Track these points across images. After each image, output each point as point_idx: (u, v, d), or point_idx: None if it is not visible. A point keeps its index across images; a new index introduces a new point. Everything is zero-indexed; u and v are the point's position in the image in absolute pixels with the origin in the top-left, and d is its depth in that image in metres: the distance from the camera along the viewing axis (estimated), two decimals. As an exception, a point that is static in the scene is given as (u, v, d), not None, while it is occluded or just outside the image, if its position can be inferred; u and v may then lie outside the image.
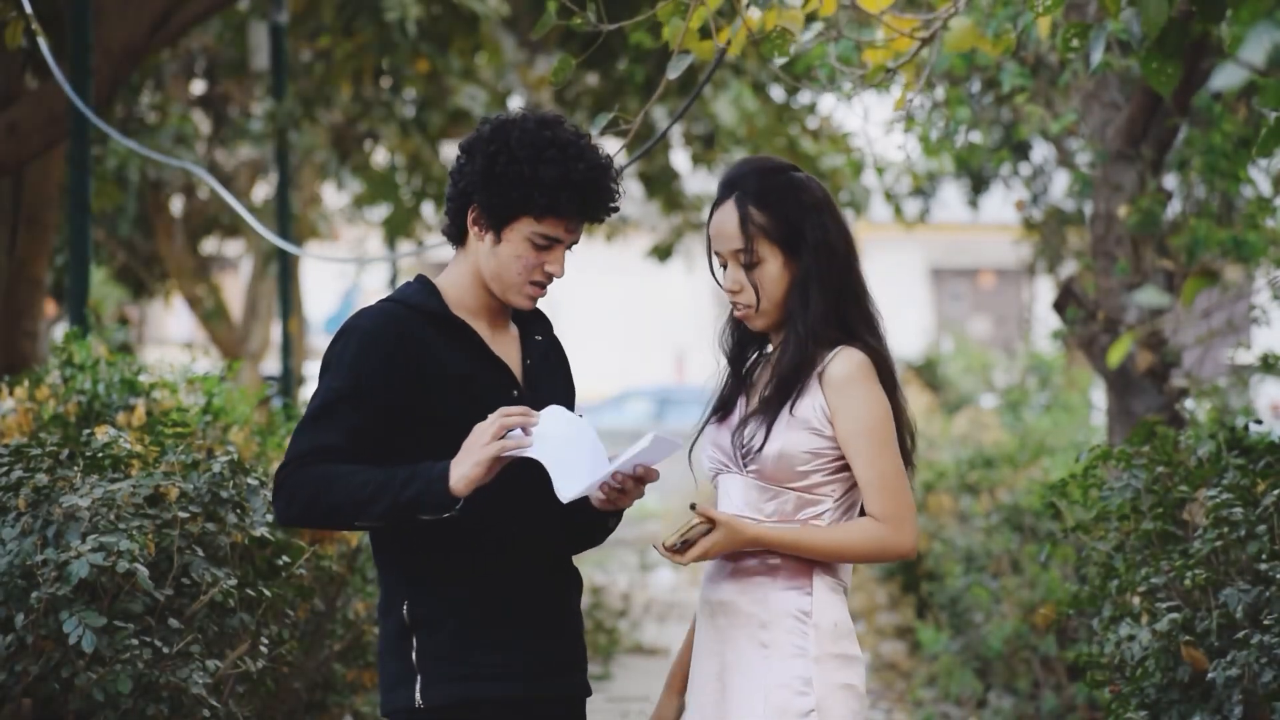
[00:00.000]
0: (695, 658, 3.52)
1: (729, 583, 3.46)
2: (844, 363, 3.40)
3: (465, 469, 3.30)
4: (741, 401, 3.53)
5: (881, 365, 3.44)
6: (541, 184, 3.40)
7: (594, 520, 3.54)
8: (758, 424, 3.43)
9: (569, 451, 3.35)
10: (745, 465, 3.44)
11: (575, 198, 3.41)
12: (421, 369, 3.42)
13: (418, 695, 3.41)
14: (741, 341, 3.58)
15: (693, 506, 3.36)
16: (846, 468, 3.43)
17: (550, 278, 3.48)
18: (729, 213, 3.47)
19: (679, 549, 3.37)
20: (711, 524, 3.35)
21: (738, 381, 3.56)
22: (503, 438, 3.31)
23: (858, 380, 3.40)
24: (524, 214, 3.43)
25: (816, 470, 3.42)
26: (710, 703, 3.45)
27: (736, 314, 3.50)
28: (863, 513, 3.46)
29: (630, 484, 3.39)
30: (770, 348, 3.55)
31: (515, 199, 3.41)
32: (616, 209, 3.51)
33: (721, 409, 3.55)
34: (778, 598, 3.41)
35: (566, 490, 3.33)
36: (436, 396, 3.42)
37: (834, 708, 3.36)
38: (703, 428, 3.57)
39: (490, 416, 3.33)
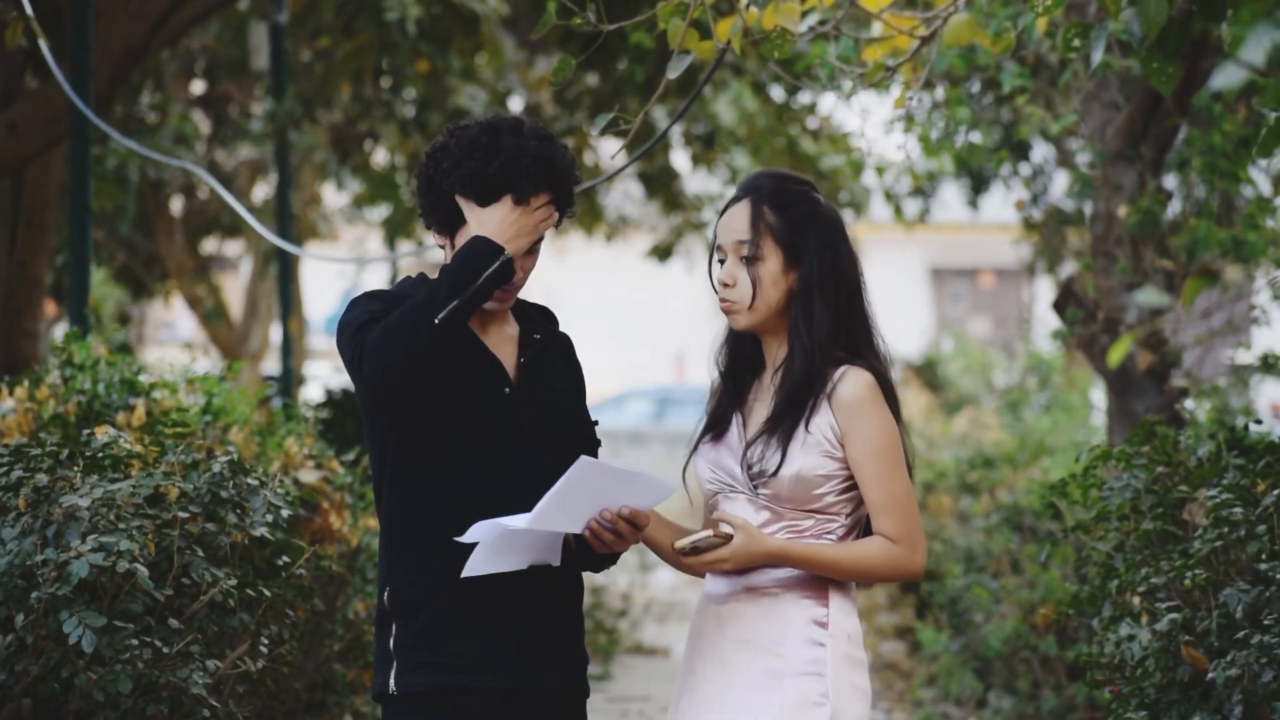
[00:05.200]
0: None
1: (740, 594, 3.44)
2: (854, 384, 3.41)
3: (508, 234, 3.37)
4: (737, 419, 3.51)
5: (885, 386, 3.45)
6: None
7: (591, 559, 3.51)
8: (769, 445, 3.42)
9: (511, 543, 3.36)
10: (756, 488, 3.43)
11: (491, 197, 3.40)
12: None
13: (392, 681, 3.42)
14: (737, 358, 3.57)
15: (714, 528, 3.37)
16: (854, 487, 3.44)
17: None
18: (742, 209, 3.49)
19: (688, 552, 3.37)
20: (726, 539, 3.35)
21: (732, 399, 3.55)
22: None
23: (868, 401, 3.41)
24: (462, 220, 3.44)
25: (829, 491, 3.42)
26: (712, 686, 3.42)
27: (722, 307, 3.50)
28: (866, 532, 3.47)
29: (623, 525, 3.35)
30: (767, 371, 3.53)
31: (450, 207, 3.43)
32: (565, 209, 3.47)
33: (716, 426, 3.54)
34: (794, 609, 3.40)
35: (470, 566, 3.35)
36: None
37: (846, 708, 3.36)
38: (696, 446, 3.55)
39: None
